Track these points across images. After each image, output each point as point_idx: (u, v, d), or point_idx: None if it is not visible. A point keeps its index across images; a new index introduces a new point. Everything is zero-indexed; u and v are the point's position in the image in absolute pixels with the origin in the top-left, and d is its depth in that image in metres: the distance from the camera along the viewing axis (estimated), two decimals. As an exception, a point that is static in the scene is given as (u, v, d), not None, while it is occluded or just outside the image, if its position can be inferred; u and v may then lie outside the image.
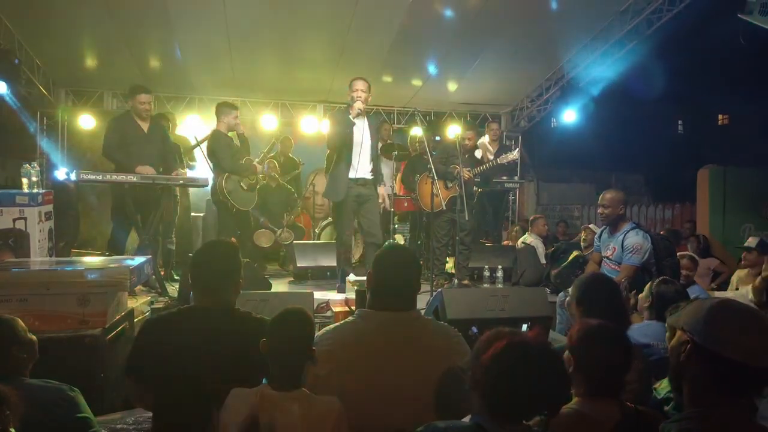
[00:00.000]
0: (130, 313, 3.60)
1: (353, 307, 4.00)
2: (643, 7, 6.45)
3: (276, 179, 7.16)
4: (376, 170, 5.13)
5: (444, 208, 5.67)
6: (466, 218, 5.25)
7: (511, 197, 9.00)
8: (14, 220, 4.58)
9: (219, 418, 1.73)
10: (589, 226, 6.41)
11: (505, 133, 8.75)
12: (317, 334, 2.08)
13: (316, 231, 7.61)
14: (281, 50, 6.88)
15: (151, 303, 4.52)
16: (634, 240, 4.27)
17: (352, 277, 5.08)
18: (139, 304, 4.17)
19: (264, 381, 1.85)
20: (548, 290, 4.99)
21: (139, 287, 4.51)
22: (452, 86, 8.10)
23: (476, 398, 1.51)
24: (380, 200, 5.16)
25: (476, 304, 3.86)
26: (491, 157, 6.48)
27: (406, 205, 6.93)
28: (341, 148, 4.99)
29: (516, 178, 7.76)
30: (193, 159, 6.65)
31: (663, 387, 2.17)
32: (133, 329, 3.42)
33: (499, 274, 5.86)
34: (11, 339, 2.10)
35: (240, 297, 2.27)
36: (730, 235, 7.61)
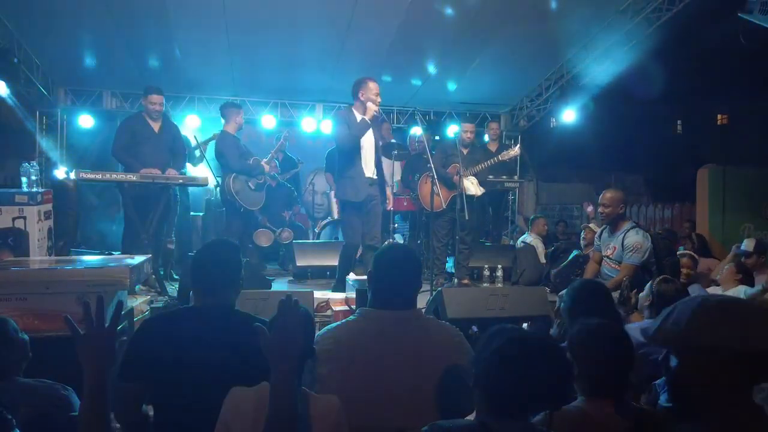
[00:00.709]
0: (130, 313, 3.59)
1: (353, 306, 3.99)
2: (643, 6, 6.44)
3: (276, 178, 7.16)
4: (379, 170, 5.15)
5: (444, 207, 5.66)
6: (466, 218, 5.25)
7: (510, 197, 9.00)
8: (13, 219, 4.58)
9: (219, 418, 1.72)
10: (589, 225, 6.42)
11: (504, 133, 8.75)
12: (318, 333, 2.08)
13: (316, 230, 7.60)
14: (281, 50, 6.88)
15: (151, 302, 4.51)
16: (635, 239, 4.28)
17: (352, 276, 5.08)
18: (139, 303, 4.17)
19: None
20: (548, 289, 4.99)
21: (139, 287, 4.51)
22: (452, 86, 8.10)
23: (479, 396, 1.51)
24: (388, 203, 5.14)
25: (476, 304, 3.87)
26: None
27: (405, 204, 6.93)
28: (355, 149, 4.99)
29: (516, 177, 7.76)
30: (193, 158, 6.65)
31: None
32: (133, 328, 3.41)
33: (499, 273, 5.86)
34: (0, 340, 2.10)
35: (240, 296, 2.27)
36: (729, 235, 7.61)
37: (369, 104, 4.85)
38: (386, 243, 4.87)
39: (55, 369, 2.21)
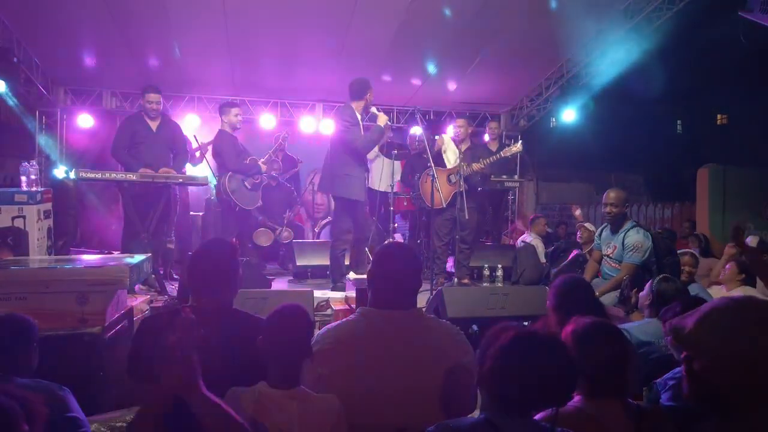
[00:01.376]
0: (130, 312, 3.59)
1: (353, 305, 3.99)
2: (643, 6, 6.44)
3: (275, 178, 7.15)
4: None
5: (444, 205, 5.63)
6: (466, 216, 5.24)
7: (510, 196, 8.99)
8: (13, 219, 4.58)
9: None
10: (585, 224, 6.40)
11: (504, 133, 8.75)
12: (318, 332, 2.07)
13: (316, 230, 7.60)
14: (281, 49, 6.87)
15: (151, 302, 4.51)
16: (635, 238, 4.27)
17: (352, 275, 5.08)
18: (139, 302, 4.17)
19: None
20: (548, 289, 4.99)
21: (138, 286, 4.51)
22: (452, 85, 8.09)
23: (485, 393, 1.51)
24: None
25: (476, 303, 3.87)
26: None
27: (405, 204, 6.92)
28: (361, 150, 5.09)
29: (516, 177, 7.75)
30: (193, 158, 6.64)
31: None
32: (132, 328, 3.41)
33: (499, 272, 5.85)
34: None
35: (239, 295, 2.26)
36: (729, 235, 7.60)
37: (381, 114, 5.10)
38: (386, 242, 4.87)
39: (53, 369, 2.20)
